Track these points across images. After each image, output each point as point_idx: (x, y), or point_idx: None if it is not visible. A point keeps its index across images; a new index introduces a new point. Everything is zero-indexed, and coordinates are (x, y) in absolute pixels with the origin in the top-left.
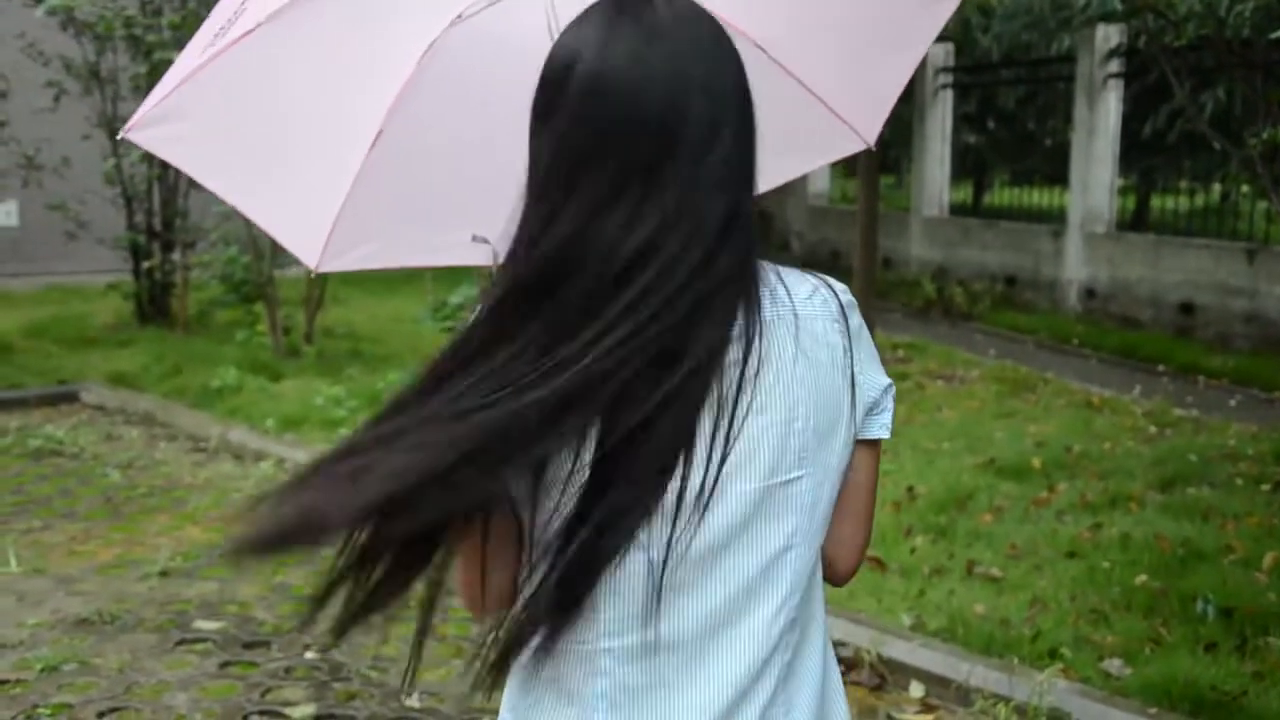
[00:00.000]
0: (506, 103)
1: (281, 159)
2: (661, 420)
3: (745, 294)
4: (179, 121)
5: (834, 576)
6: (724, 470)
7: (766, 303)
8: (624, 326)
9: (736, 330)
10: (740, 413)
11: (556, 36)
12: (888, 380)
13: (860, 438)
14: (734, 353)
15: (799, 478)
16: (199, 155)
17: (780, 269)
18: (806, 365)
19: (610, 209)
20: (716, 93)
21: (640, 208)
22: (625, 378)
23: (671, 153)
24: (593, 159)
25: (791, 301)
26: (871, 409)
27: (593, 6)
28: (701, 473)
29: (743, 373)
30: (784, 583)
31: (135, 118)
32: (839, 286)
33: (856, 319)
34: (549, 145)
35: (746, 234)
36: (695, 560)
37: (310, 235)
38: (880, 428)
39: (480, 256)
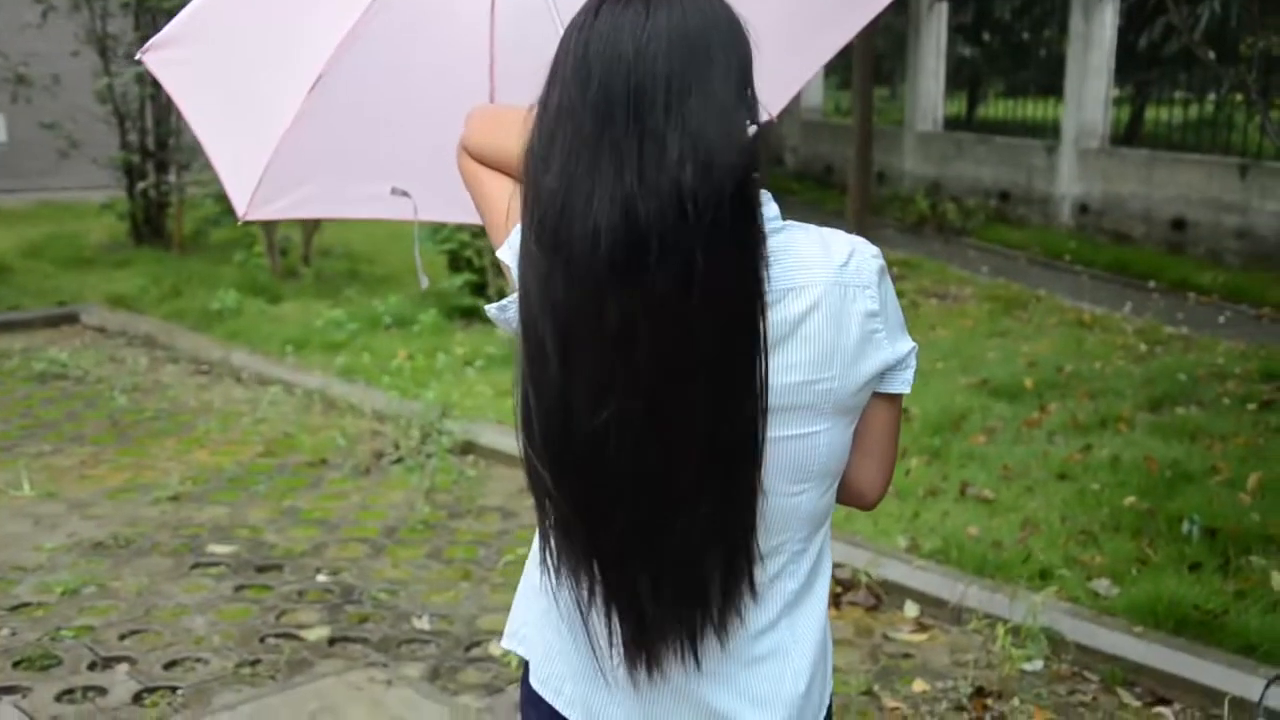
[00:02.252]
0: (439, 63)
1: (244, 97)
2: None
3: (746, 261)
4: (177, 47)
5: (862, 505)
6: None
7: (804, 267)
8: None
9: (759, 290)
10: (766, 369)
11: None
12: (912, 344)
13: (883, 391)
14: (766, 313)
15: (816, 433)
16: (185, 81)
17: (822, 231)
18: (833, 329)
19: (582, 169)
20: (678, 79)
21: (601, 174)
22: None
23: (629, 128)
24: (567, 121)
25: (829, 264)
26: (894, 367)
27: None
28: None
29: (764, 333)
30: (794, 520)
31: (150, 41)
32: (871, 251)
33: (887, 284)
34: (543, 107)
35: (734, 212)
36: None
37: (245, 179)
38: (902, 383)
39: (401, 210)
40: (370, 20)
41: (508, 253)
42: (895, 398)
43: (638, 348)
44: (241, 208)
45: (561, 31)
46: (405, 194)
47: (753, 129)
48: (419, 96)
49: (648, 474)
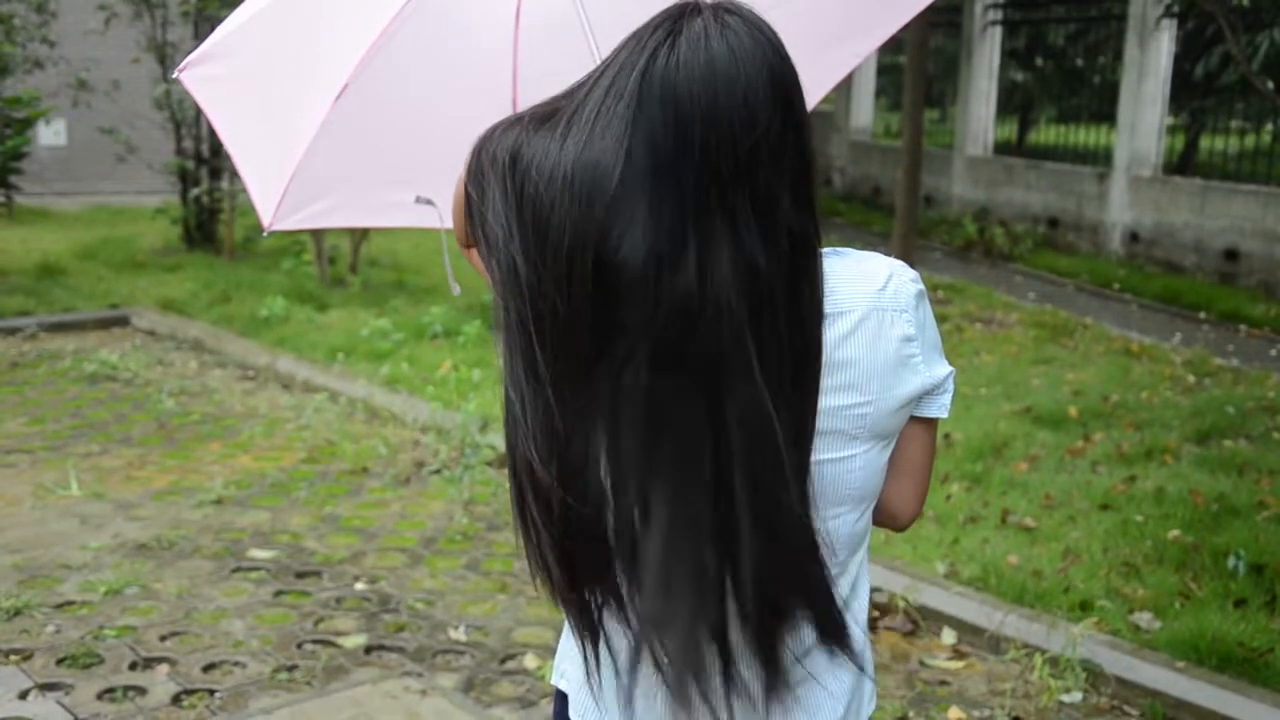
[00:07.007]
0: (462, 72)
1: (272, 110)
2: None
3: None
4: (211, 63)
5: (895, 526)
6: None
7: (841, 292)
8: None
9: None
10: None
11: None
12: (950, 369)
13: (920, 415)
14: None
15: (852, 457)
16: (218, 97)
17: (860, 255)
18: (870, 353)
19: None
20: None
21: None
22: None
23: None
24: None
25: (867, 288)
26: (932, 391)
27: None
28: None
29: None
30: (830, 544)
31: (186, 60)
32: (910, 275)
33: (925, 308)
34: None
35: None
36: None
37: (271, 190)
38: (939, 408)
39: (426, 219)
40: (395, 31)
41: None
42: (932, 422)
43: None
44: (267, 218)
45: (590, 39)
46: (430, 203)
47: None
48: (442, 105)
49: None
